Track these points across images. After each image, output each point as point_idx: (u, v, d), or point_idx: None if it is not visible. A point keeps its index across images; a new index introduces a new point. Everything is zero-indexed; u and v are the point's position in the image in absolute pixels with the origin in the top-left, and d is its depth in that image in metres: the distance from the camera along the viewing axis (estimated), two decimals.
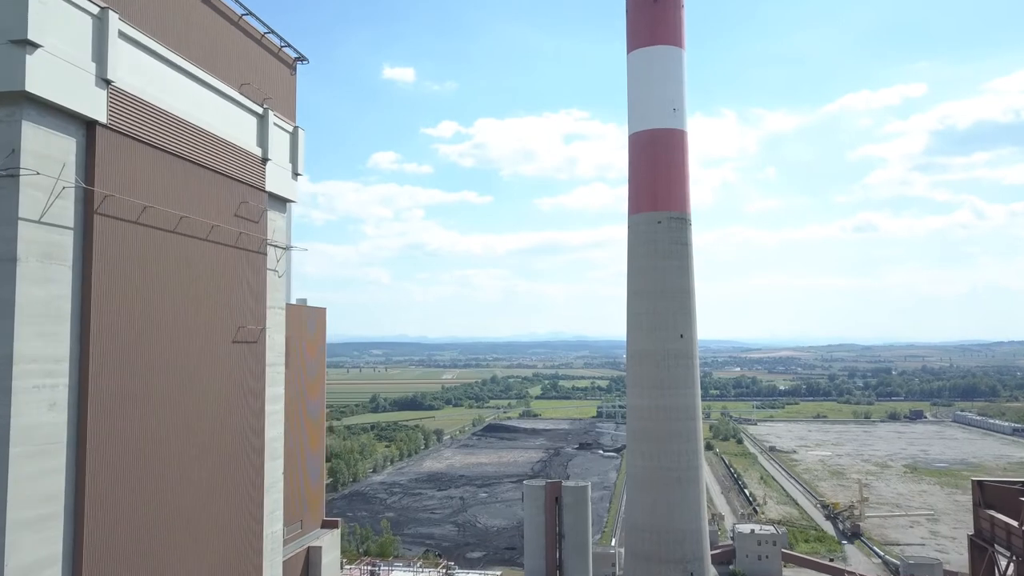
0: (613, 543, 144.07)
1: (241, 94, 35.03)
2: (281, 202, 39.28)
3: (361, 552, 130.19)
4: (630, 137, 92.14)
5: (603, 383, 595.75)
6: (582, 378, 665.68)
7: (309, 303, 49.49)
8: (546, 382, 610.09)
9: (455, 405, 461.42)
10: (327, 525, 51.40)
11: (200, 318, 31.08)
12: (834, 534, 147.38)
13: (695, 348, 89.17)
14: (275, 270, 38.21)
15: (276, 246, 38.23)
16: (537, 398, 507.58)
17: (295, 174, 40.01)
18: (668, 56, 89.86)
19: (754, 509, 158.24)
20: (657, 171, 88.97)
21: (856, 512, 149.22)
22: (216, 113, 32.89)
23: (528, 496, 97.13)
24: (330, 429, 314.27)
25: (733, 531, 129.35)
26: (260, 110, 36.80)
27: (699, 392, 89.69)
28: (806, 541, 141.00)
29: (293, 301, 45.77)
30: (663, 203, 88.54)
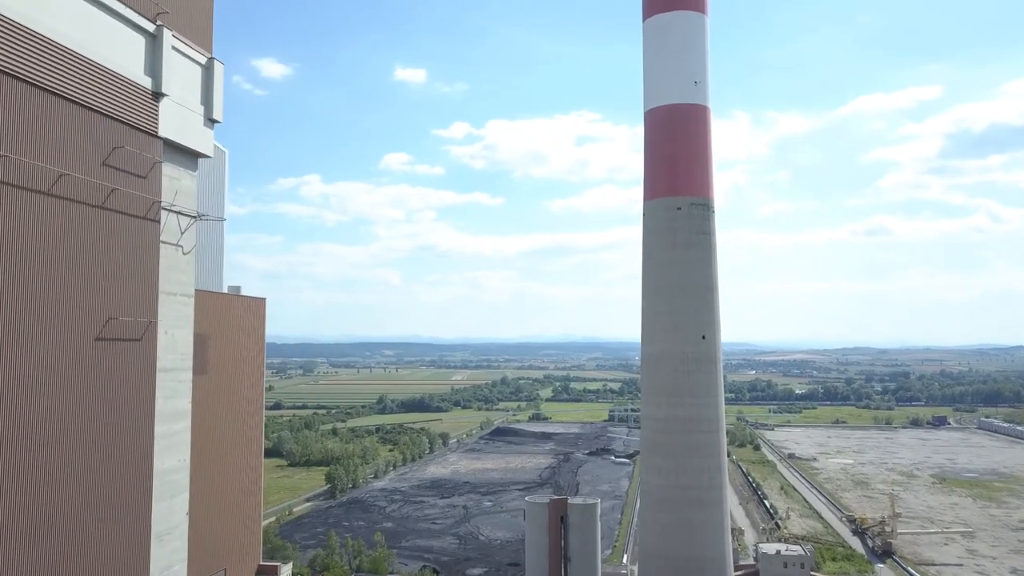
0: (625, 560, 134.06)
1: (120, 2, 25.60)
2: (188, 156, 29.79)
3: (352, 569, 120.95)
4: (646, 115, 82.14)
5: (615, 385, 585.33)
6: (594, 380, 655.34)
7: (246, 291, 40.00)
8: (557, 384, 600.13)
9: (464, 407, 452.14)
10: (265, 572, 41.46)
11: (46, 305, 21.77)
12: (863, 552, 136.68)
13: (719, 351, 79.12)
14: (177, 244, 28.80)
15: (178, 212, 28.78)
16: (548, 400, 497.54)
17: (210, 120, 30.48)
18: (689, 23, 79.85)
19: (776, 524, 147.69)
20: (676, 151, 78.93)
21: (887, 528, 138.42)
22: (76, 22, 23.48)
23: (530, 514, 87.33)
24: (333, 432, 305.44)
25: (756, 551, 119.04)
26: (151, 27, 27.31)
27: (723, 401, 79.62)
28: (833, 559, 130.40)
29: (224, 289, 36.50)
30: (683, 187, 78.48)
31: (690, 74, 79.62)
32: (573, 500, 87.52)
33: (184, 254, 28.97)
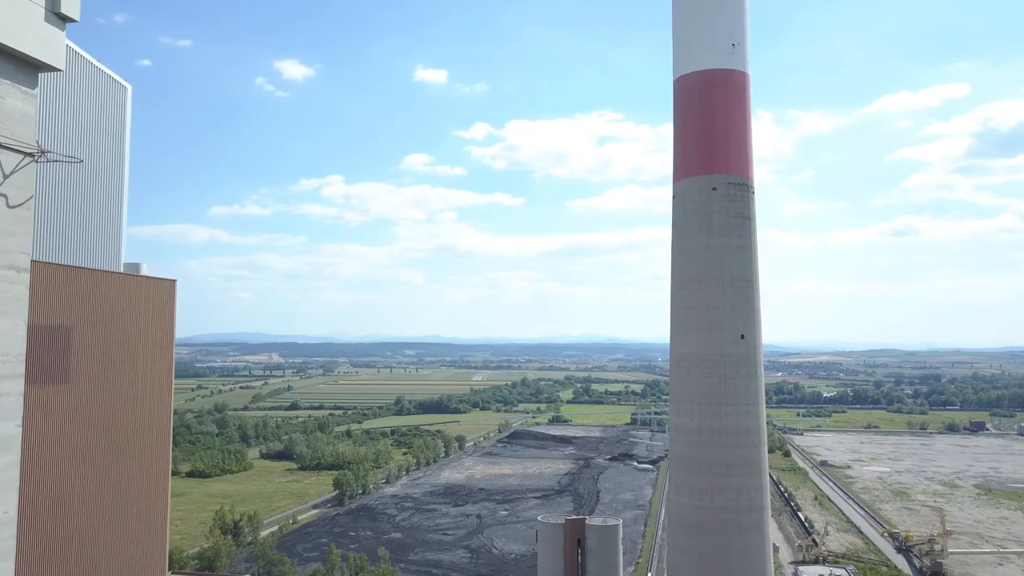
0: None
1: None
2: (19, 66, 20.43)
3: None
4: (675, 82, 72.06)
5: (638, 387, 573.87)
6: (616, 382, 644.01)
7: (148, 271, 30.62)
8: (578, 385, 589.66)
9: (482, 408, 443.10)
10: None
11: None
12: (910, 573, 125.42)
13: (759, 353, 68.84)
14: (0, 194, 19.53)
15: (1, 146, 19.48)
16: (568, 402, 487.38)
17: (57, 16, 21.04)
18: None
19: (813, 540, 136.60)
20: (713, 123, 68.78)
21: (937, 547, 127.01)
22: None
23: (543, 536, 77.50)
24: (347, 434, 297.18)
25: (795, 572, 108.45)
26: None
27: (764, 410, 69.38)
28: None
29: (119, 268, 27.32)
30: (720, 164, 68.32)
31: (727, 35, 69.45)
32: (591, 521, 77.59)
33: (11, 207, 19.85)
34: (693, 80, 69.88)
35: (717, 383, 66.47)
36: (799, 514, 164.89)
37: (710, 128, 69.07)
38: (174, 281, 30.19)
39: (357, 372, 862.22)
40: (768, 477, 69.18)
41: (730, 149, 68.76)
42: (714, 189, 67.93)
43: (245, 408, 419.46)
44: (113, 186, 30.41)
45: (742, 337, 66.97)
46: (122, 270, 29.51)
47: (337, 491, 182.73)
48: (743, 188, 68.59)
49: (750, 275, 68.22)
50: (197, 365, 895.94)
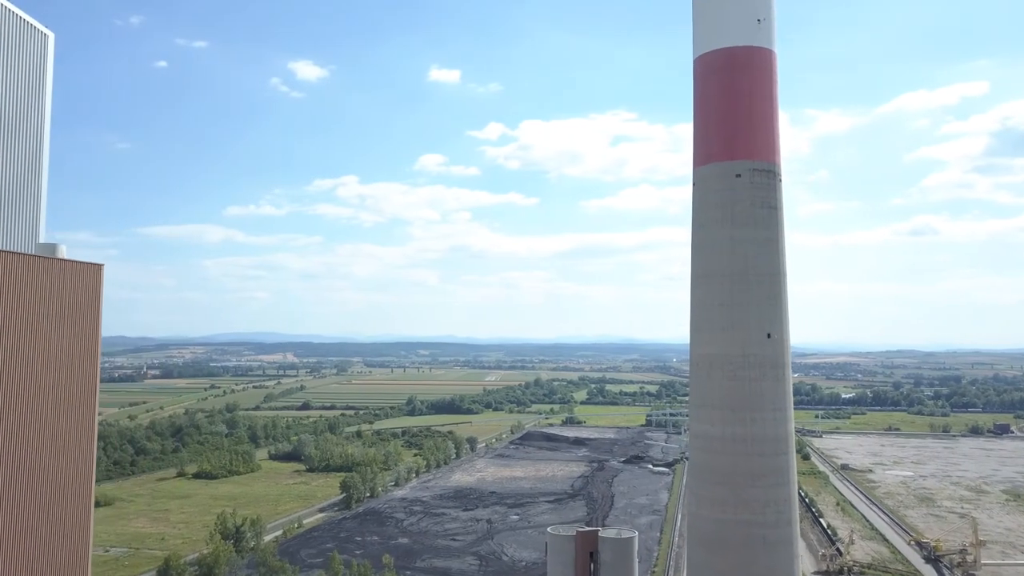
0: None
1: None
2: None
3: None
4: (696, 62, 66.86)
5: (652, 388, 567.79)
6: (630, 382, 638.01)
7: (67, 253, 25.96)
8: (592, 386, 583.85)
9: (495, 409, 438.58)
10: None
11: None
12: None
13: (787, 354, 63.56)
14: None
15: None
16: (582, 403, 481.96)
17: None
18: None
19: (837, 549, 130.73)
20: (737, 104, 63.54)
21: (969, 557, 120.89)
22: None
23: (553, 549, 72.51)
24: (357, 435, 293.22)
25: None
26: None
27: (792, 416, 64.06)
28: None
29: (35, 246, 22.65)
30: (743, 149, 63.10)
31: (751, 10, 64.23)
32: (605, 532, 72.57)
33: None
34: (715, 58, 64.67)
35: (741, 386, 61.27)
36: (821, 520, 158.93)
37: (733, 110, 63.84)
38: (100, 266, 25.65)
39: (371, 372, 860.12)
40: (796, 489, 63.90)
41: (755, 133, 63.57)
42: (738, 176, 62.73)
43: (256, 408, 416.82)
44: (31, 146, 26.23)
45: (768, 336, 61.74)
46: (35, 251, 24.94)
47: (344, 494, 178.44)
48: (769, 175, 63.37)
49: (777, 269, 63.00)
50: (212, 364, 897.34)
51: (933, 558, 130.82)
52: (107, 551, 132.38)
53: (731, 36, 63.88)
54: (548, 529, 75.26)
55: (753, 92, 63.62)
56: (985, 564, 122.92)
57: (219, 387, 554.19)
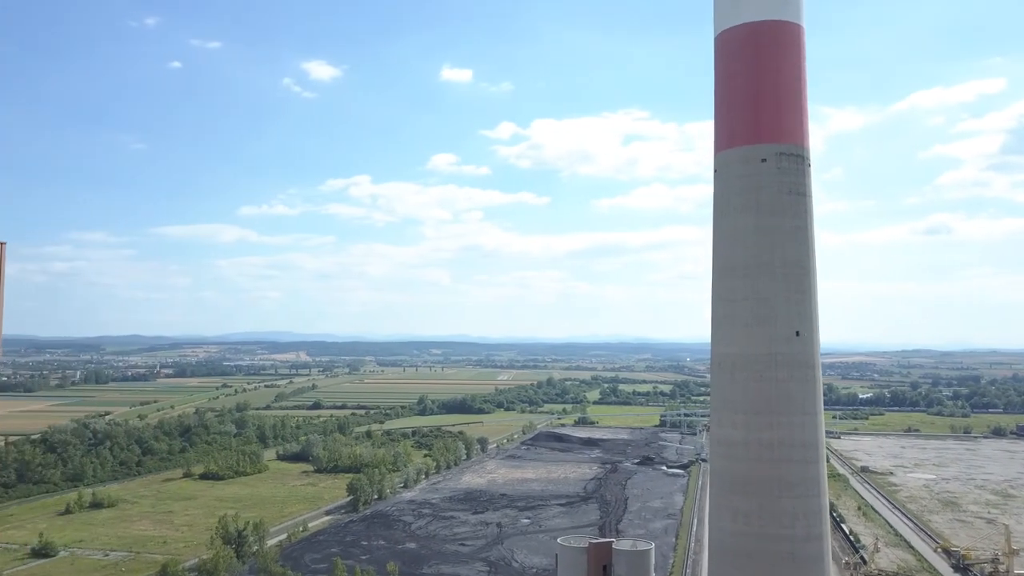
0: None
1: None
2: None
3: None
4: (717, 39, 62.23)
5: (666, 388, 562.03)
6: (644, 382, 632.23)
7: None
8: (605, 386, 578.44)
9: (507, 409, 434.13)
10: None
11: None
12: None
13: (816, 353, 58.89)
14: None
15: None
16: (595, 403, 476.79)
17: None
18: None
19: (861, 557, 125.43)
20: (761, 83, 58.91)
21: (1002, 567, 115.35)
22: None
23: (564, 561, 68.21)
24: (367, 435, 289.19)
25: None
26: None
27: (823, 421, 59.32)
28: None
29: None
30: (769, 132, 58.45)
31: None
32: (619, 544, 68.15)
33: None
34: (738, 34, 60.03)
35: (767, 388, 56.65)
36: (843, 526, 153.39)
37: (758, 90, 59.22)
38: (2, 244, 21.53)
39: (383, 371, 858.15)
40: (827, 499, 59.10)
41: (781, 113, 58.92)
42: (763, 161, 58.08)
43: (267, 407, 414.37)
44: None
45: (797, 334, 57.09)
46: None
47: (350, 496, 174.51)
48: (797, 159, 58.64)
49: (806, 260, 58.29)
50: (225, 364, 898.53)
51: (962, 567, 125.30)
52: (106, 555, 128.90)
53: (755, 10, 59.29)
54: (559, 540, 70.86)
55: (780, 70, 59.03)
56: (1018, 574, 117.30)
57: (231, 386, 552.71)
